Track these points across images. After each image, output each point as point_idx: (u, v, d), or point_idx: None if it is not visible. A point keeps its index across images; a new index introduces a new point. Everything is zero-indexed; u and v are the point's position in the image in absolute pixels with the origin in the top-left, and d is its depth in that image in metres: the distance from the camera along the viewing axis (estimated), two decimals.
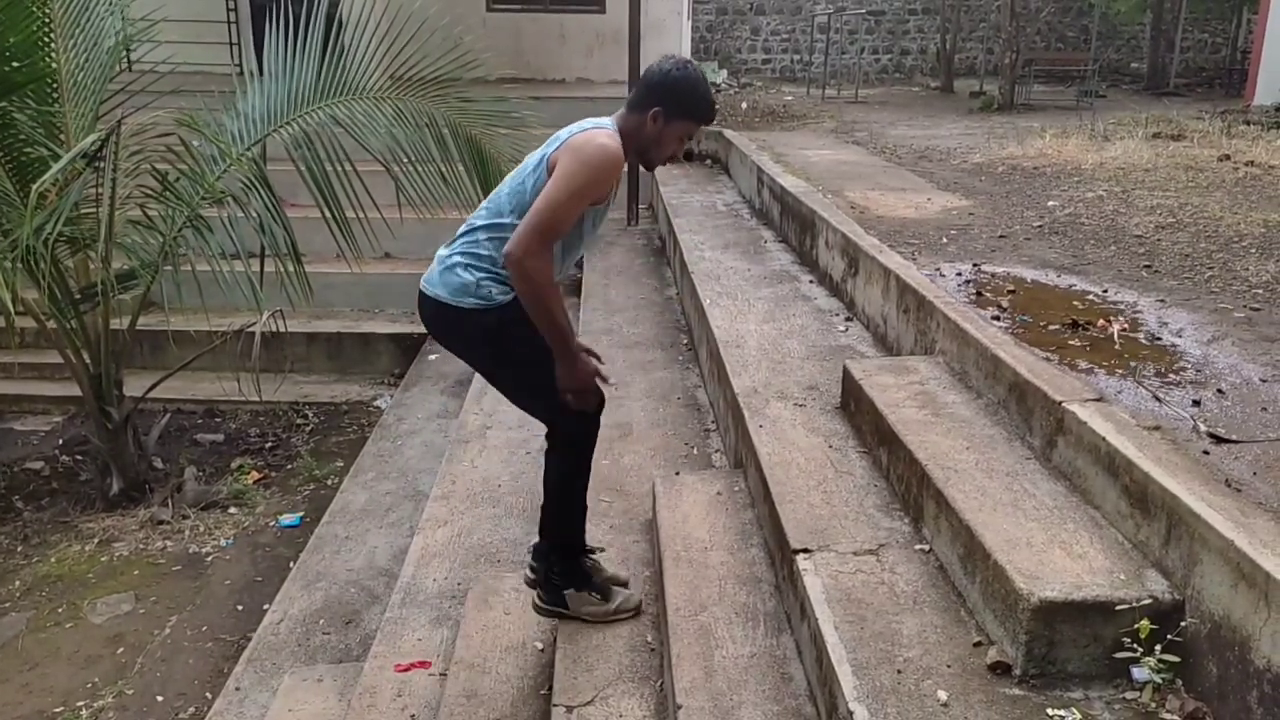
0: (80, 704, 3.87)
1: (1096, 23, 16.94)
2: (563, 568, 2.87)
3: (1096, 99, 13.31)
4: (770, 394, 3.62)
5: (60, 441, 6.10)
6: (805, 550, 2.62)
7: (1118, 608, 2.10)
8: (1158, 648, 2.05)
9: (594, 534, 3.40)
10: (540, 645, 3.11)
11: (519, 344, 2.61)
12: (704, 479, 3.50)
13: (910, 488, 2.82)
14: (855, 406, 3.36)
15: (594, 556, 2.98)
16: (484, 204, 2.66)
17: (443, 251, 2.64)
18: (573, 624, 2.97)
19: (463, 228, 2.65)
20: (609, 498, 3.62)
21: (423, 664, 3.27)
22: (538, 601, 2.93)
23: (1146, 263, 4.48)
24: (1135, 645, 2.07)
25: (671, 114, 2.53)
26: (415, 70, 5.52)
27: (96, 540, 4.91)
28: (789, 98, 13.97)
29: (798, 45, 18.28)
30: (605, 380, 2.66)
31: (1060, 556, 2.28)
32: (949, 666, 2.20)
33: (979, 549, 2.35)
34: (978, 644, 2.28)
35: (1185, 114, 10.81)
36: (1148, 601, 2.11)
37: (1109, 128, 9.32)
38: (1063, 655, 2.15)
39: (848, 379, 3.43)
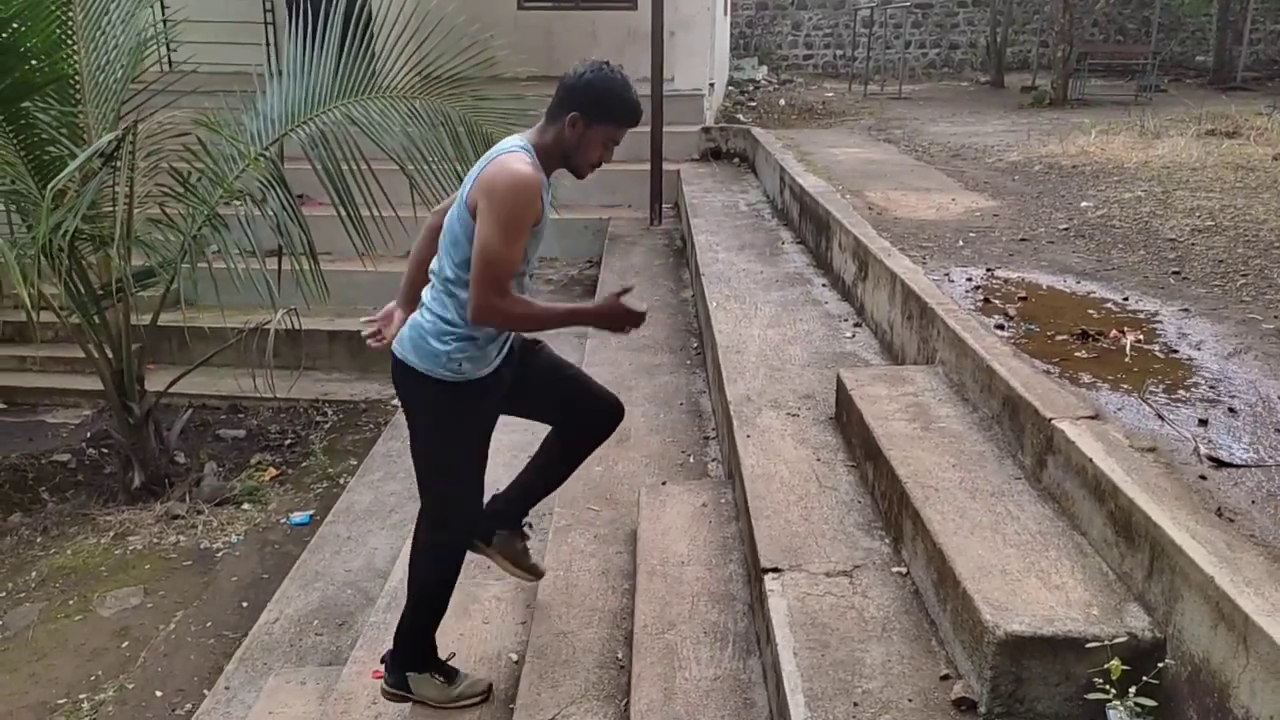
0: (82, 697, 3.91)
1: (1158, 14, 16.38)
2: (409, 650, 2.84)
3: (1156, 94, 12.86)
4: (764, 402, 3.52)
5: (88, 435, 6.23)
6: (775, 569, 2.53)
7: (1088, 645, 1.98)
8: (1133, 689, 1.92)
9: (578, 543, 3.36)
10: (515, 656, 3.05)
11: (444, 426, 2.59)
12: (690, 490, 3.42)
13: (892, 506, 2.72)
14: (847, 418, 3.25)
15: (527, 539, 3.00)
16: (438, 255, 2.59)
17: (419, 318, 2.58)
18: (545, 637, 2.93)
19: (426, 290, 2.59)
20: (597, 506, 3.56)
21: None
22: (384, 686, 2.89)
23: (1176, 269, 4.28)
24: (1107, 685, 1.95)
25: (590, 118, 2.43)
26: (441, 70, 5.50)
27: (112, 533, 4.98)
28: (829, 94, 13.73)
29: (841, 40, 17.95)
30: (634, 306, 2.60)
31: (1035, 586, 2.16)
32: (910, 700, 2.10)
33: (950, 575, 2.24)
34: (945, 677, 2.18)
35: (1248, 110, 10.36)
36: (1123, 639, 1.99)
37: (1160, 124, 8.97)
38: (1031, 693, 2.03)
39: (840, 389, 3.32)
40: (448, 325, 2.49)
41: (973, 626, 2.09)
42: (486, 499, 2.92)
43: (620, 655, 2.80)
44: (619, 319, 2.57)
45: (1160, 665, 1.96)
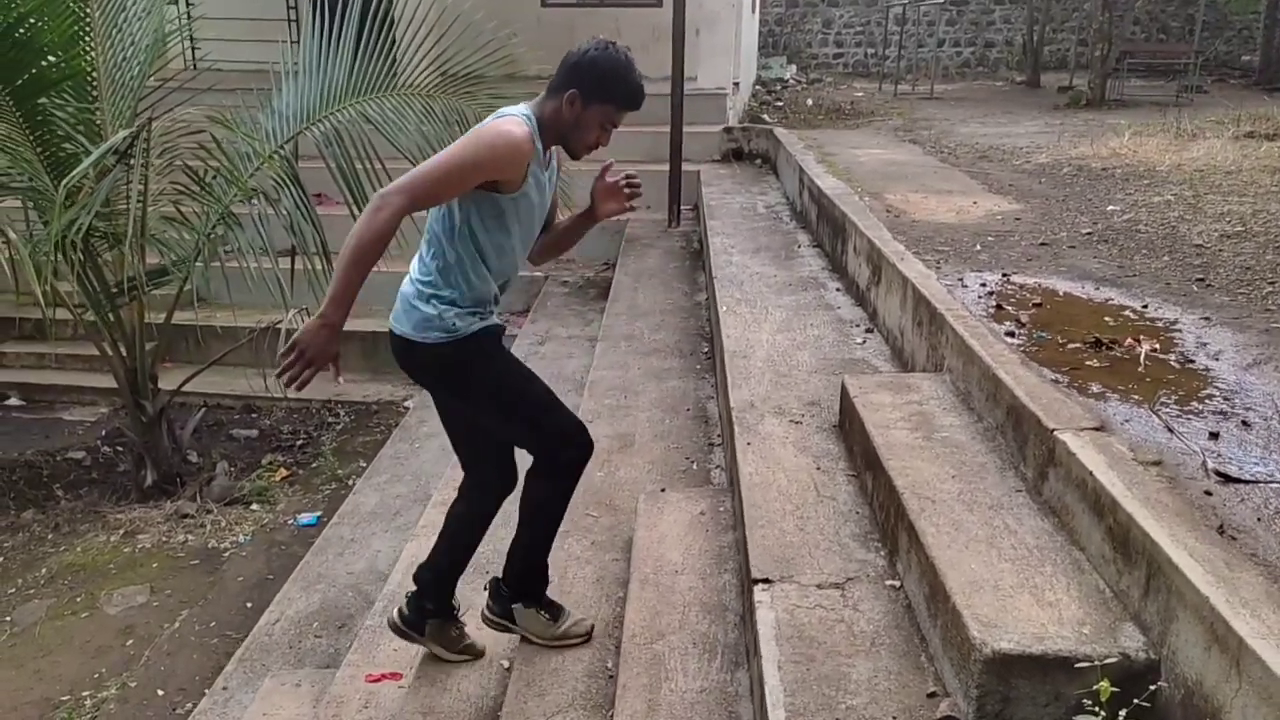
0: (85, 694, 3.93)
1: (1202, 12, 15.98)
2: (518, 580, 2.81)
3: (1197, 95, 12.57)
4: (767, 409, 3.45)
5: (103, 432, 6.28)
6: (765, 580, 2.46)
7: (1077, 665, 1.90)
8: (1123, 712, 1.84)
9: (575, 550, 3.31)
10: (506, 663, 3.01)
11: (490, 375, 2.56)
12: (689, 497, 3.36)
13: (889, 517, 2.64)
14: (849, 426, 3.17)
15: (459, 619, 2.96)
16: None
17: (404, 288, 2.57)
18: (533, 645, 2.88)
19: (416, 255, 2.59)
20: (596, 512, 3.50)
21: (394, 675, 3.21)
22: (485, 612, 2.88)
23: (1200, 275, 4.15)
24: (1096, 708, 1.87)
25: (589, 97, 2.40)
26: (461, 68, 5.48)
27: (122, 531, 5.01)
28: (859, 94, 13.57)
29: (872, 38, 17.72)
30: (335, 378, 2.43)
31: (1028, 603, 2.08)
32: (894, 718, 2.03)
33: (941, 590, 2.17)
34: (932, 695, 2.10)
35: None
36: (1114, 660, 1.90)
37: (1198, 126, 8.74)
38: (1019, 713, 1.96)
39: (844, 396, 3.24)
40: (429, 287, 2.48)
41: (961, 643, 2.02)
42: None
43: (610, 665, 2.74)
44: (315, 353, 2.27)
45: (1153, 688, 1.88)
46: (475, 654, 2.99)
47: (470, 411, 2.70)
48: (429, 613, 2.90)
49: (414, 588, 2.91)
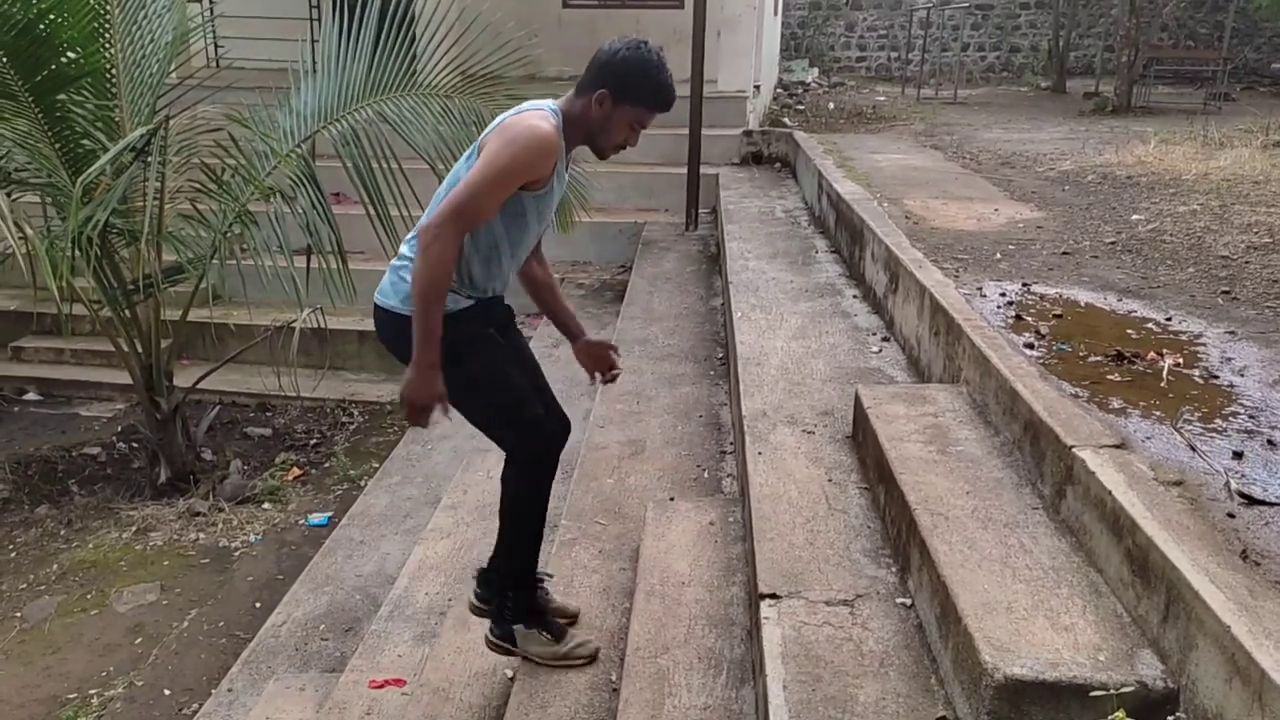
0: (93, 692, 3.93)
1: (1231, 18, 15.76)
2: (515, 601, 2.73)
3: (1226, 102, 12.39)
4: (780, 418, 3.39)
5: (119, 429, 6.29)
6: (772, 596, 2.41)
7: (1092, 693, 1.84)
8: None
9: (582, 558, 3.27)
10: (510, 673, 2.97)
11: (468, 356, 2.49)
12: (699, 507, 3.31)
13: (901, 533, 2.58)
14: (863, 437, 3.12)
15: (543, 585, 2.83)
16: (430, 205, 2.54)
17: (396, 263, 2.53)
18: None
19: (410, 233, 2.54)
20: (604, 520, 3.46)
21: (397, 681, 3.19)
22: (489, 636, 2.81)
23: (1226, 288, 4.06)
24: None
25: (618, 97, 2.36)
26: (481, 68, 5.46)
27: (134, 529, 5.01)
28: (881, 98, 13.45)
29: (896, 42, 17.53)
30: (445, 413, 2.43)
31: (1042, 627, 2.02)
32: None
33: (952, 610, 2.11)
34: (941, 719, 2.05)
35: None
36: (1131, 688, 1.85)
37: (1226, 134, 8.60)
38: None
39: (858, 407, 3.18)
40: None
41: (972, 667, 1.97)
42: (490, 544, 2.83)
43: (614, 678, 2.70)
44: (425, 400, 2.34)
45: (1171, 719, 1.82)
46: (569, 614, 2.89)
47: (451, 392, 2.55)
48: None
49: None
